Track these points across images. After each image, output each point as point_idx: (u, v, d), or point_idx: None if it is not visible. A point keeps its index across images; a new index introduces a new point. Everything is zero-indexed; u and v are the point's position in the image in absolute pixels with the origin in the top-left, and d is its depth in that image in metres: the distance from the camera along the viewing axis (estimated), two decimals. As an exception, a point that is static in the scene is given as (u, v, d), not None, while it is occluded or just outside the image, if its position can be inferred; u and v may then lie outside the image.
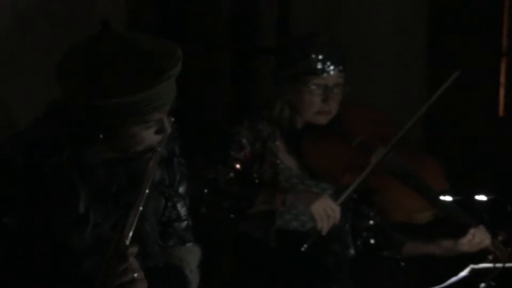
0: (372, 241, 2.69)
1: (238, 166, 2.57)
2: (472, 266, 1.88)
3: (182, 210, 1.99)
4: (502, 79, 4.24)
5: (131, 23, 3.78)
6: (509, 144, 4.13)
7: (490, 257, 2.49)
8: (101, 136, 1.77)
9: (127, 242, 1.71)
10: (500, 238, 2.56)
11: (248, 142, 2.56)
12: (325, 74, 2.50)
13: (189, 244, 2.01)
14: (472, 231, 2.51)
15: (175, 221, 1.98)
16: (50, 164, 1.79)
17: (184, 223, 2.00)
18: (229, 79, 4.30)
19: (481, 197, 2.58)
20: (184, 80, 3.34)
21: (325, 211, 2.42)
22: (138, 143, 1.79)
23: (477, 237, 2.52)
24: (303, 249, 2.42)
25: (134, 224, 1.73)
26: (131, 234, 1.72)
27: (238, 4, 4.23)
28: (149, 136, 1.78)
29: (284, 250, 2.52)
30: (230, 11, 4.28)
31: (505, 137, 4.17)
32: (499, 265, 1.87)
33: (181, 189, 1.99)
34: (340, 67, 2.52)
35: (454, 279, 1.85)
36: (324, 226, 2.41)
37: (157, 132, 1.78)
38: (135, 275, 1.70)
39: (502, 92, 4.24)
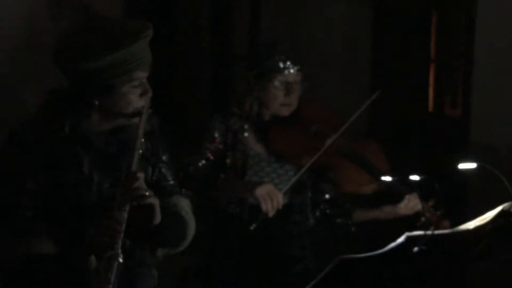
0: (328, 211, 2.76)
1: (210, 155, 2.62)
2: (407, 234, 1.81)
3: (167, 173, 2.05)
4: (431, 81, 4.42)
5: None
6: (436, 133, 4.31)
7: (423, 219, 2.62)
8: (96, 102, 1.86)
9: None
10: (430, 203, 2.65)
11: (220, 135, 2.62)
12: (286, 72, 2.58)
13: (177, 195, 2.07)
14: (407, 197, 2.64)
15: (162, 181, 2.03)
16: (57, 138, 1.88)
17: (171, 182, 2.06)
18: (210, 82, 4.44)
19: (415, 177, 2.53)
20: (171, 82, 3.66)
21: (268, 195, 2.46)
22: (127, 105, 1.87)
23: (412, 202, 2.64)
24: (252, 228, 2.48)
25: (136, 162, 1.83)
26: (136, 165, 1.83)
27: (217, 21, 4.41)
28: (136, 98, 1.88)
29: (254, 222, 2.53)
30: (211, 26, 4.47)
31: (433, 128, 4.34)
32: (429, 232, 1.80)
33: (164, 157, 2.05)
34: (298, 67, 2.60)
35: (392, 244, 1.79)
36: (268, 208, 2.45)
37: (141, 94, 1.89)
38: (147, 193, 1.82)
39: (431, 91, 4.41)
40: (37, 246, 1.81)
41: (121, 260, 1.74)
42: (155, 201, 1.84)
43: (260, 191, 2.46)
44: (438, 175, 2.56)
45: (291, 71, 2.59)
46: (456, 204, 3.36)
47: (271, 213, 2.46)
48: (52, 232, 1.83)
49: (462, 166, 2.41)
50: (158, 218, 1.86)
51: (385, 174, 2.62)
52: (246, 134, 2.65)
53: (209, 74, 4.52)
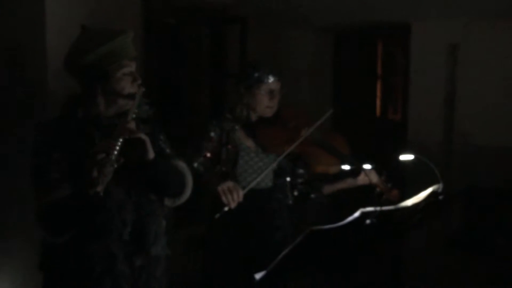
0: (304, 190, 2.70)
1: (208, 152, 2.55)
2: (361, 209, 1.78)
3: (164, 146, 2.02)
4: (378, 93, 4.44)
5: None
6: (383, 133, 4.31)
7: (378, 189, 2.59)
8: (99, 89, 1.86)
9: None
10: (383, 178, 2.63)
11: (215, 135, 2.56)
12: (269, 81, 2.54)
13: (175, 159, 2.04)
14: (365, 172, 2.58)
15: (162, 152, 1.98)
16: (74, 120, 1.88)
17: (168, 151, 2.03)
18: (209, 94, 4.40)
19: (367, 165, 2.62)
20: (178, 93, 3.60)
21: (228, 190, 2.34)
22: (122, 89, 1.86)
23: (368, 175, 2.58)
24: (216, 217, 2.36)
25: (130, 118, 1.80)
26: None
27: (215, 47, 4.37)
28: (128, 84, 1.87)
29: (245, 201, 2.41)
30: (210, 51, 4.41)
31: (380, 128, 4.37)
32: (378, 208, 1.77)
33: (161, 137, 2.03)
34: (278, 77, 2.56)
35: (349, 218, 1.77)
36: (228, 201, 2.33)
37: (132, 81, 1.88)
38: (139, 134, 1.79)
39: (378, 101, 4.44)
40: (61, 194, 1.79)
41: (115, 165, 1.69)
42: (144, 137, 1.81)
43: (221, 187, 2.35)
44: (384, 164, 2.65)
45: (273, 80, 2.55)
46: (397, 186, 3.24)
47: (231, 205, 2.33)
48: (73, 184, 1.79)
49: (402, 157, 2.41)
50: (151, 153, 1.83)
51: (347, 157, 2.59)
52: (237, 133, 2.59)
53: (209, 87, 4.50)
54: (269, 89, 2.56)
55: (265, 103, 2.57)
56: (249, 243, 2.54)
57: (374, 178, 2.60)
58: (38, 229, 1.86)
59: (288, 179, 2.67)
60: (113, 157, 1.68)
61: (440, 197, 2.01)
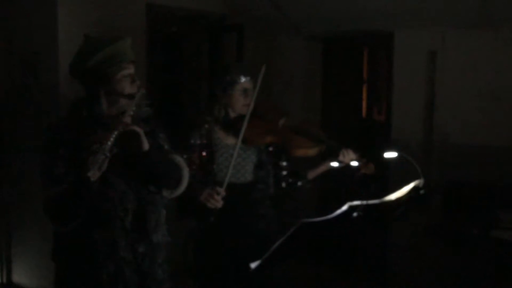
0: (290, 180, 2.68)
1: (194, 165, 2.49)
2: (349, 203, 1.76)
3: (164, 143, 2.02)
4: (364, 96, 4.37)
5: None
6: (368, 132, 4.28)
7: (355, 165, 2.55)
8: (102, 90, 1.86)
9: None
10: (358, 154, 2.59)
11: (198, 137, 2.51)
12: (241, 81, 2.51)
13: (173, 154, 2.04)
14: (343, 151, 2.57)
15: (161, 147, 1.98)
16: (78, 118, 1.87)
17: (166, 147, 2.03)
18: (208, 97, 4.29)
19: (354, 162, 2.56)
20: (178, 96, 3.55)
21: (210, 196, 2.35)
22: (123, 89, 1.86)
23: (347, 154, 2.56)
24: (211, 220, 2.37)
25: (127, 116, 1.79)
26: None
27: (214, 62, 4.33)
28: (128, 85, 1.87)
29: (230, 194, 2.40)
30: (209, 56, 4.40)
31: (366, 128, 4.32)
32: (364, 202, 1.76)
33: (161, 134, 2.03)
34: (249, 77, 2.53)
35: (337, 212, 1.75)
36: (214, 205, 2.35)
37: (131, 82, 1.88)
38: (133, 127, 1.79)
39: (364, 103, 4.37)
40: (66, 187, 1.77)
41: (108, 155, 1.67)
42: (138, 129, 1.80)
43: (203, 197, 2.37)
44: (370, 161, 2.60)
45: (245, 80, 2.53)
46: (382, 181, 3.42)
47: (218, 206, 2.36)
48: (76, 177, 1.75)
49: (386, 155, 2.39)
50: (146, 145, 1.81)
51: (325, 139, 2.58)
52: (216, 134, 2.55)
53: (208, 91, 4.42)
54: (243, 88, 2.53)
55: (241, 102, 2.54)
56: (235, 232, 2.51)
57: (352, 155, 2.58)
58: (47, 220, 1.85)
59: (271, 171, 2.63)
60: (106, 147, 1.67)
61: (421, 192, 2.01)
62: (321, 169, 2.70)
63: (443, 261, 3.34)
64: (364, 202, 1.80)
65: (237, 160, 2.52)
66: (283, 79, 4.41)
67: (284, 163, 2.67)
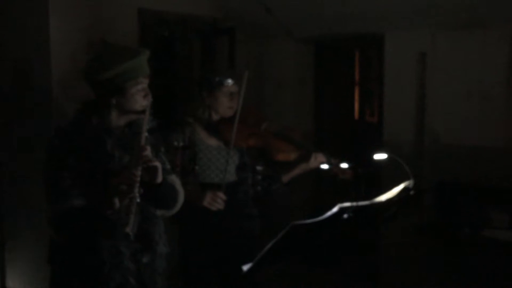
0: (265, 184, 2.70)
1: (177, 154, 2.49)
2: (339, 205, 1.76)
3: (165, 158, 2.03)
4: (356, 98, 4.43)
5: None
6: (360, 134, 4.36)
7: (333, 172, 2.57)
8: (114, 101, 1.84)
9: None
10: (335, 161, 2.59)
11: (180, 139, 2.51)
12: (228, 84, 2.53)
13: (173, 175, 2.06)
14: (313, 154, 2.60)
15: (162, 164, 1.91)
16: (88, 128, 1.85)
17: (168, 166, 2.04)
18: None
19: (344, 164, 2.59)
20: (171, 99, 3.53)
21: (212, 200, 2.39)
22: (135, 103, 1.84)
23: (318, 157, 2.59)
24: (212, 222, 2.43)
25: (143, 139, 1.77)
26: (144, 142, 1.76)
27: (207, 56, 4.33)
28: (141, 99, 1.86)
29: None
30: (201, 60, 4.36)
31: (358, 130, 4.41)
32: (354, 203, 1.75)
33: (162, 148, 2.03)
34: (234, 80, 2.55)
35: (327, 213, 1.75)
36: (217, 207, 2.40)
37: (144, 96, 1.86)
38: (152, 159, 1.78)
39: (356, 105, 4.43)
40: (74, 203, 1.76)
41: (138, 200, 1.69)
42: (158, 164, 1.81)
43: (206, 202, 2.41)
44: (361, 162, 2.62)
45: (231, 83, 2.55)
46: (373, 182, 3.33)
47: (221, 207, 2.41)
48: (85, 192, 1.77)
49: (377, 156, 2.39)
50: (160, 177, 1.82)
51: (303, 143, 2.61)
52: (198, 135, 2.55)
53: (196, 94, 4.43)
54: (229, 91, 2.55)
55: (226, 104, 2.56)
56: (221, 231, 2.52)
57: (322, 158, 2.60)
58: (41, 226, 1.84)
59: (250, 174, 2.65)
60: (137, 192, 1.68)
61: (411, 192, 2.01)
62: (295, 172, 2.70)
63: (435, 261, 3.36)
64: (355, 204, 1.79)
65: (220, 161, 2.54)
66: (275, 82, 4.44)
67: (260, 168, 2.70)
